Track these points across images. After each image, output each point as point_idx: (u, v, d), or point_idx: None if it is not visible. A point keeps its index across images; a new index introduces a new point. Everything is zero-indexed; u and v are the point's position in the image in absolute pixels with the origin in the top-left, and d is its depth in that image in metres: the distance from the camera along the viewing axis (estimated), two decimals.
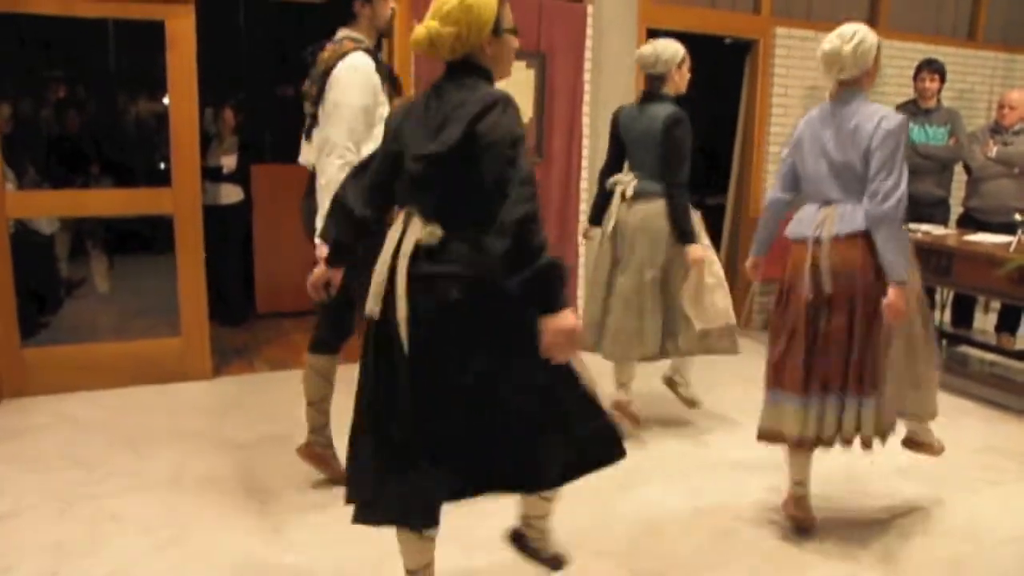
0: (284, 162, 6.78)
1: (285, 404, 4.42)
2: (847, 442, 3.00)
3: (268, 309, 6.17)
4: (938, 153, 5.44)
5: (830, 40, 2.92)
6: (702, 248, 3.80)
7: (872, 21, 6.49)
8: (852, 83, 2.92)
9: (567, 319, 1.95)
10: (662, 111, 3.73)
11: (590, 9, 5.19)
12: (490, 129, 1.98)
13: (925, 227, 5.11)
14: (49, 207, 4.99)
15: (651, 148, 3.76)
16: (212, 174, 5.59)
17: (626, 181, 3.86)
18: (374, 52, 3.14)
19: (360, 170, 2.37)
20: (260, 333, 5.79)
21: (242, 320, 5.96)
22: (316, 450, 3.43)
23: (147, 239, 6.86)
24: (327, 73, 3.04)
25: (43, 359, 4.52)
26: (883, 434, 3.02)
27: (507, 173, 1.95)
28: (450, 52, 2.10)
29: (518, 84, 4.97)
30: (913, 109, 5.55)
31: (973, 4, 6.95)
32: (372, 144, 2.96)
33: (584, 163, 5.28)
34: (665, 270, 3.82)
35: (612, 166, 4.02)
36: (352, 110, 2.99)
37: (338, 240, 2.43)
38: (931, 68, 5.55)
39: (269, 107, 7.97)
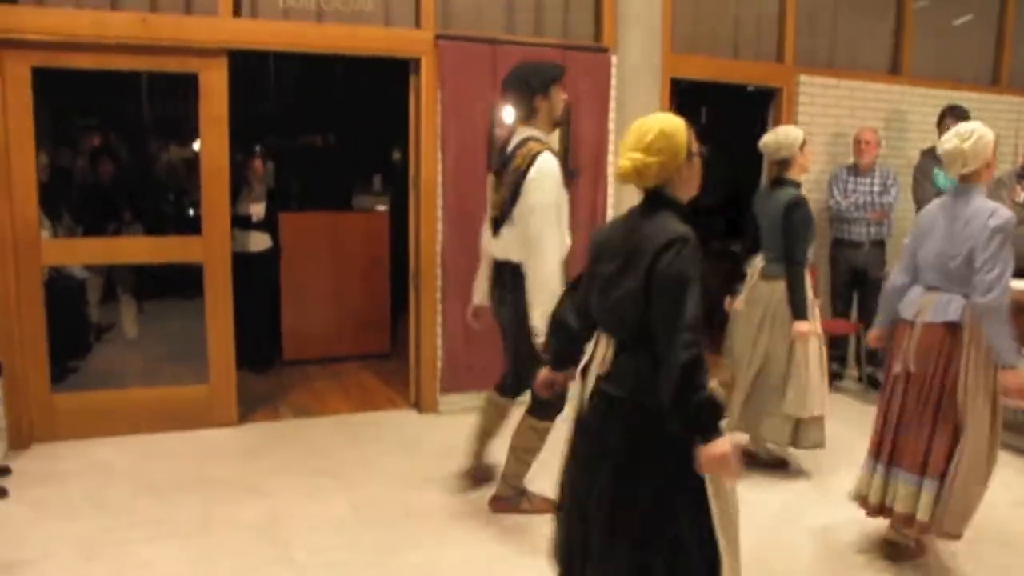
0: (311, 210, 6.95)
1: (310, 452, 4.43)
2: (905, 521, 3.18)
3: (294, 356, 6.21)
4: None
5: (949, 140, 3.15)
6: (808, 324, 3.98)
7: (894, 68, 6.52)
8: (972, 176, 3.13)
9: (721, 446, 2.05)
10: (784, 196, 4.03)
11: (614, 59, 5.24)
12: (664, 268, 2.10)
13: None
14: (83, 255, 5.08)
15: (776, 230, 4.05)
16: (241, 222, 5.67)
17: (756, 264, 4.19)
18: (552, 147, 3.40)
19: (573, 286, 2.54)
20: (285, 380, 5.82)
21: (268, 366, 6.00)
22: (514, 504, 3.63)
23: (175, 283, 6.94)
24: (522, 176, 3.27)
25: (73, 404, 4.57)
26: (940, 524, 3.13)
27: (673, 313, 2.05)
28: (654, 180, 2.22)
29: None
30: (937, 155, 5.54)
31: (996, 50, 6.96)
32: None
33: (609, 212, 5.30)
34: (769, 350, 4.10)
35: (750, 245, 4.31)
36: (550, 209, 3.26)
37: (558, 349, 2.61)
38: (955, 114, 5.55)
39: (296, 155, 8.11)
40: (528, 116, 3.40)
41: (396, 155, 8.51)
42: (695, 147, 2.27)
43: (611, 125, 5.26)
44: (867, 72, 6.36)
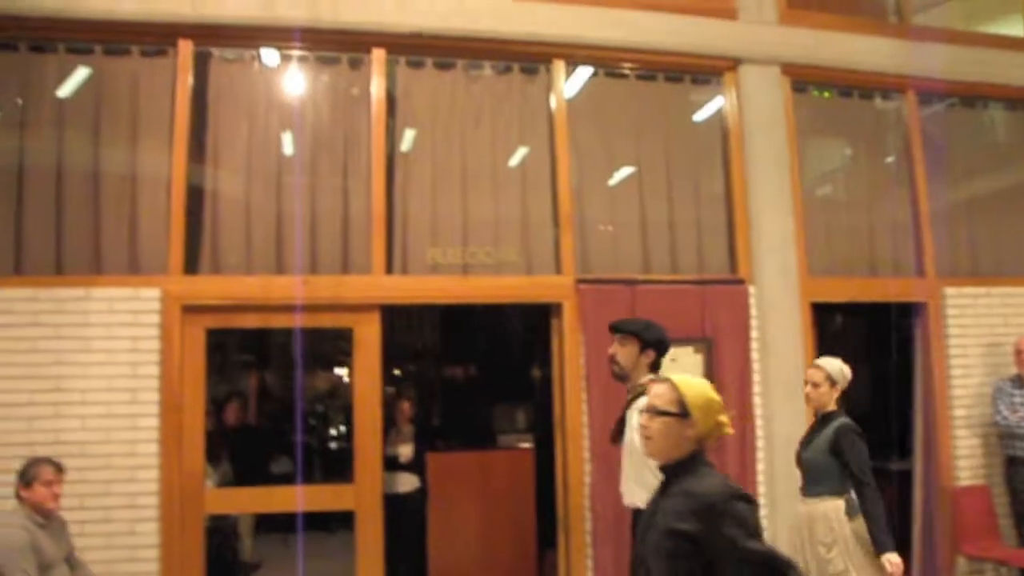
0: (456, 448, 7.01)
1: None
2: None
3: None
4: None
5: None
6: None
7: None
8: None
9: None
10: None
11: (751, 289, 5.27)
12: None
13: None
14: (242, 504, 5.27)
15: None
16: (389, 463, 5.78)
17: None
18: None
19: None
20: None
21: None
22: None
23: (321, 518, 7.01)
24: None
25: None
26: None
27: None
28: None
29: (686, 368, 5.00)
30: None
31: None
32: None
33: (759, 443, 5.14)
34: None
35: None
36: None
37: None
38: None
39: (439, 388, 8.29)
40: None
41: (536, 373, 8.49)
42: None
43: (754, 355, 5.20)
44: (1016, 277, 6.11)
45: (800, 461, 4.14)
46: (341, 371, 9.47)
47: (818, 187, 6.22)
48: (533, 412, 7.56)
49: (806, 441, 4.16)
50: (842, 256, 5.81)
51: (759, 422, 5.14)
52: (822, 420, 4.10)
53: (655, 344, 3.72)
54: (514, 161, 5.27)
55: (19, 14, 4.69)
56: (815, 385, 4.09)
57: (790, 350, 5.24)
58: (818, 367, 4.13)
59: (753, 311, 5.26)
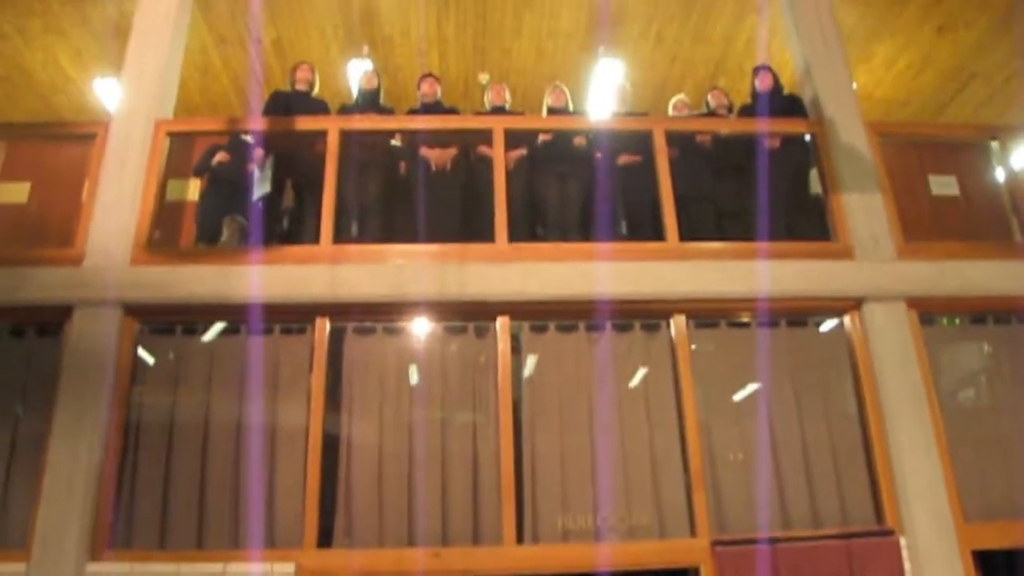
0: None
1: None
2: None
3: None
4: None
5: None
6: None
7: None
8: None
9: None
10: None
11: (903, 540, 4.92)
12: None
13: None
14: None
15: None
16: None
17: None
18: None
19: None
20: None
21: None
22: None
23: None
24: None
25: None
26: None
27: None
28: None
29: None
30: None
31: None
32: None
33: None
34: None
35: None
36: None
37: None
38: None
39: None
40: None
41: None
42: None
43: None
44: None
45: None
46: None
47: (960, 391, 5.89)
48: None
49: None
50: (1000, 494, 5.34)
51: None
52: None
53: None
54: (640, 417, 5.22)
55: (177, 302, 5.16)
56: None
57: None
58: None
59: (907, 564, 4.86)
